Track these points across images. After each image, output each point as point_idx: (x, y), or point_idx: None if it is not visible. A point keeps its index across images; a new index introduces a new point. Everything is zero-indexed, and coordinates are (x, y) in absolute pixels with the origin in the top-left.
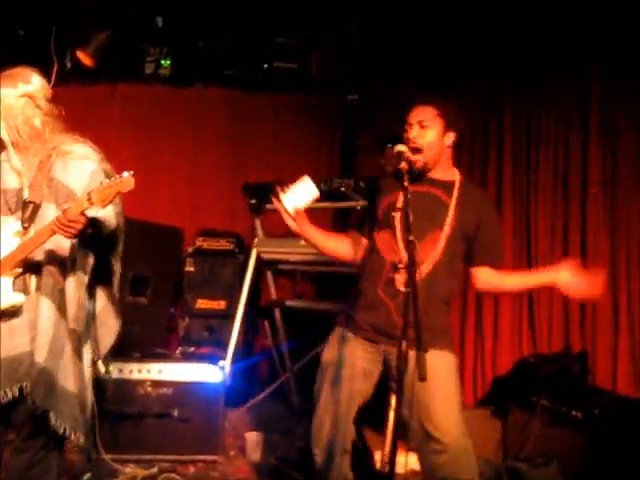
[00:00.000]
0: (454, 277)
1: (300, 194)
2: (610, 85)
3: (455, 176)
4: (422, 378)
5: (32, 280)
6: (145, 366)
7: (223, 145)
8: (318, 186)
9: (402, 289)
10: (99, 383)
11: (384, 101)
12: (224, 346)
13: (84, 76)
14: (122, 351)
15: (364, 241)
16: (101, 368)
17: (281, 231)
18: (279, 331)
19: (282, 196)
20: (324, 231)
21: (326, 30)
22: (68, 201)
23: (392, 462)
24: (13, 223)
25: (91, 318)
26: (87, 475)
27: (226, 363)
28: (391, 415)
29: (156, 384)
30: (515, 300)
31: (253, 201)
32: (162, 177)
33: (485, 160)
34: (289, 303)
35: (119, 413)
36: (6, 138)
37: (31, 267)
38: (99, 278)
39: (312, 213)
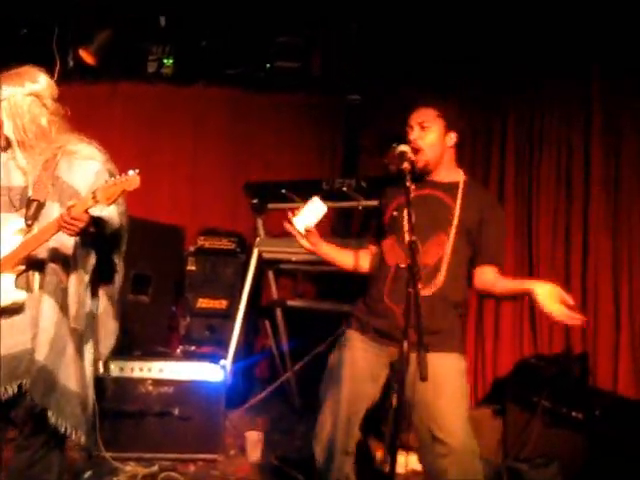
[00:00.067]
0: (463, 279)
1: (310, 214)
2: (610, 85)
3: (459, 177)
4: (423, 378)
5: (35, 278)
6: (146, 365)
7: (224, 144)
8: (320, 186)
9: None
10: (100, 381)
11: (384, 101)
12: (225, 345)
13: (86, 74)
14: (123, 349)
15: (377, 250)
16: (102, 369)
17: (282, 231)
18: (280, 331)
19: (293, 219)
20: (338, 247)
21: (326, 30)
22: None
23: (392, 462)
24: (17, 220)
25: (92, 318)
26: (88, 473)
27: (227, 362)
28: (391, 415)
29: (157, 383)
30: (516, 301)
31: (255, 201)
32: (163, 176)
33: (487, 159)
34: (290, 303)
35: (120, 411)
36: (12, 137)
37: (34, 265)
38: (102, 278)
39: None
